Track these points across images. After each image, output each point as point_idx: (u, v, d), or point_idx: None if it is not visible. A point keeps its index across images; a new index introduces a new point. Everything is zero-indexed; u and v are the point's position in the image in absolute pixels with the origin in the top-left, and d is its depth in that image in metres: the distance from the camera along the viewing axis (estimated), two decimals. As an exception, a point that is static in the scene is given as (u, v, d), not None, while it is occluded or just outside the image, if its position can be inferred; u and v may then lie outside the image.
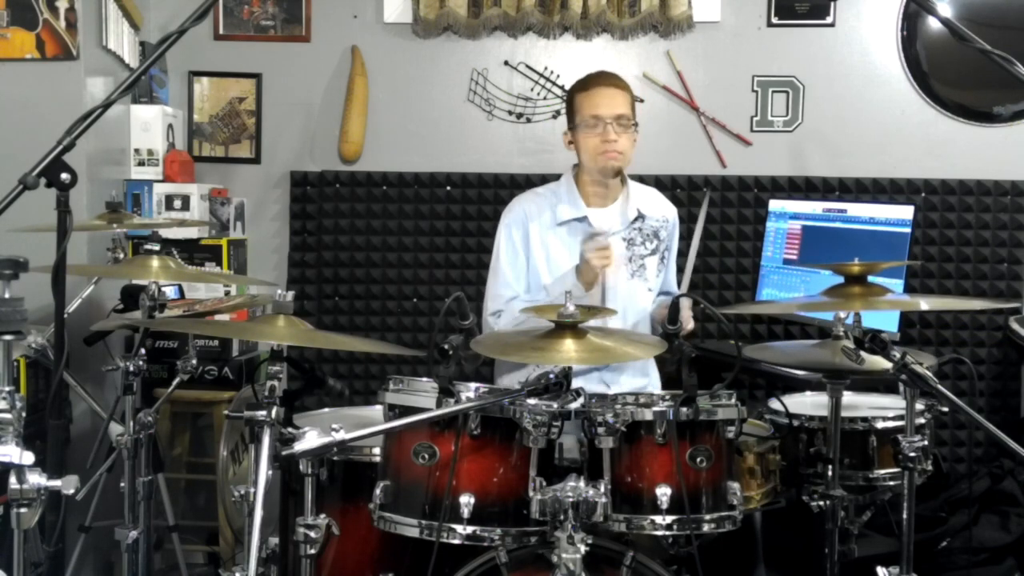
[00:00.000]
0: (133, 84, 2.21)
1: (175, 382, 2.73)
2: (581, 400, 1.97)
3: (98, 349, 2.97)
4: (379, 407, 2.15)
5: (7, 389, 1.80)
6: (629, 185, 2.90)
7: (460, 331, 2.15)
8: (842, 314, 2.26)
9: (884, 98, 3.88)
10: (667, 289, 2.99)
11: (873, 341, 2.11)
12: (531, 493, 1.95)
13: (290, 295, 2.08)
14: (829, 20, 3.88)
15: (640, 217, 2.86)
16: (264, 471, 1.81)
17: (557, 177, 2.97)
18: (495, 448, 2.01)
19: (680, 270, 3.06)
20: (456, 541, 1.97)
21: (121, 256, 2.97)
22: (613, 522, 1.99)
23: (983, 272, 3.83)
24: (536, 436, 1.97)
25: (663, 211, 2.94)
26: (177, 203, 3.72)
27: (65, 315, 1.90)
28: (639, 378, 2.87)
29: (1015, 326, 3.63)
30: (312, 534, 2.00)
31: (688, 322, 2.71)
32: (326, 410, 2.74)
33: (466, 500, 1.96)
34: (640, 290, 2.84)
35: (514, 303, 2.76)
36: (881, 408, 2.65)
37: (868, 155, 3.88)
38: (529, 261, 2.83)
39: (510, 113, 3.97)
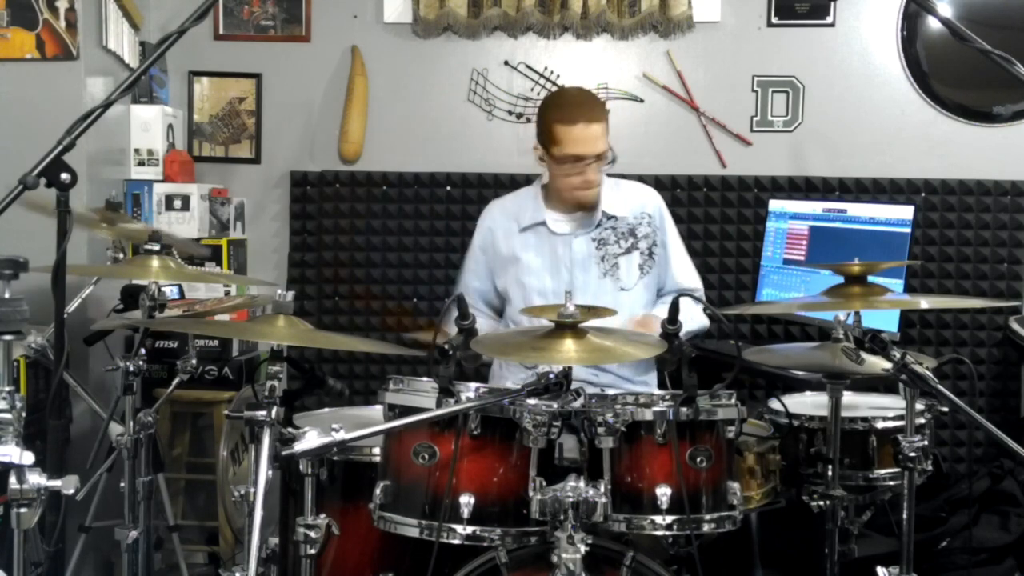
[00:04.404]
0: (133, 84, 2.21)
1: (175, 382, 2.73)
2: (581, 400, 1.97)
3: (98, 349, 2.97)
4: (379, 407, 2.15)
5: (7, 389, 1.81)
6: (601, 186, 2.83)
7: (460, 331, 2.15)
8: (842, 315, 2.26)
9: (884, 98, 3.88)
10: (676, 283, 2.90)
11: (873, 341, 2.11)
12: (531, 493, 1.94)
13: (290, 295, 2.09)
14: (829, 20, 3.88)
15: (610, 218, 2.84)
16: (264, 471, 1.81)
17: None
18: (495, 448, 2.00)
19: None
20: (456, 541, 1.97)
21: (121, 256, 2.97)
22: (613, 522, 1.99)
23: (983, 272, 3.83)
24: (536, 436, 1.97)
25: (641, 207, 2.87)
26: (177, 203, 3.72)
27: (65, 315, 1.90)
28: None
29: (1015, 326, 3.63)
30: (312, 534, 2.00)
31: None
32: (326, 410, 2.74)
33: (466, 500, 1.95)
34: (610, 289, 2.81)
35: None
36: (881, 408, 2.65)
37: (868, 155, 3.88)
38: (496, 267, 2.90)
39: (510, 113, 3.97)
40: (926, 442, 2.18)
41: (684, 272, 2.94)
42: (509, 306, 2.90)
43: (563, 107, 2.78)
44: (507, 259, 2.88)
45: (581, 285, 2.79)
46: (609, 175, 2.88)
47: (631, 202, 2.88)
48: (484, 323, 2.85)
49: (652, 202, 2.91)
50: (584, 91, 3.06)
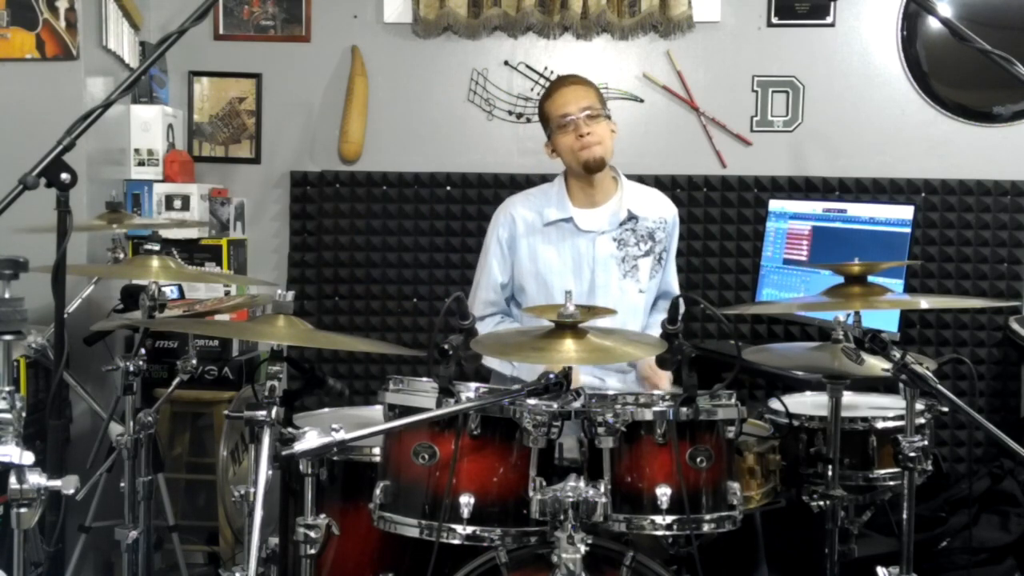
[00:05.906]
0: (133, 84, 2.21)
1: (175, 382, 2.72)
2: (581, 400, 1.97)
3: (98, 349, 2.97)
4: (379, 407, 2.15)
5: (7, 389, 1.81)
6: (624, 186, 2.91)
7: (460, 331, 2.14)
8: (842, 316, 2.26)
9: (884, 98, 3.88)
10: (667, 290, 2.99)
11: (873, 341, 2.11)
12: (531, 493, 1.94)
13: (290, 295, 2.08)
14: (829, 20, 3.88)
15: (633, 218, 2.87)
16: (264, 471, 1.81)
17: (555, 178, 2.98)
18: (495, 448, 2.00)
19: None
20: (456, 541, 1.97)
21: (121, 256, 2.97)
22: (613, 522, 1.99)
23: (983, 272, 3.83)
24: (536, 436, 1.97)
25: (661, 212, 2.94)
26: (177, 203, 3.72)
27: (65, 315, 1.90)
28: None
29: (1015, 326, 3.63)
30: (312, 534, 2.00)
31: (663, 381, 2.76)
32: (326, 410, 2.74)
33: (466, 500, 1.95)
34: (631, 290, 2.86)
35: (491, 320, 2.86)
36: (881, 408, 2.65)
37: (868, 155, 3.88)
38: (515, 262, 2.87)
39: (510, 113, 3.97)
40: (926, 442, 2.18)
41: (675, 281, 3.05)
42: (524, 300, 2.89)
43: (547, 90, 2.98)
44: (527, 253, 2.87)
45: (603, 284, 2.83)
46: (628, 176, 2.96)
47: (653, 206, 2.94)
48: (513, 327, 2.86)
49: (670, 211, 2.98)
50: (567, 74, 3.11)
